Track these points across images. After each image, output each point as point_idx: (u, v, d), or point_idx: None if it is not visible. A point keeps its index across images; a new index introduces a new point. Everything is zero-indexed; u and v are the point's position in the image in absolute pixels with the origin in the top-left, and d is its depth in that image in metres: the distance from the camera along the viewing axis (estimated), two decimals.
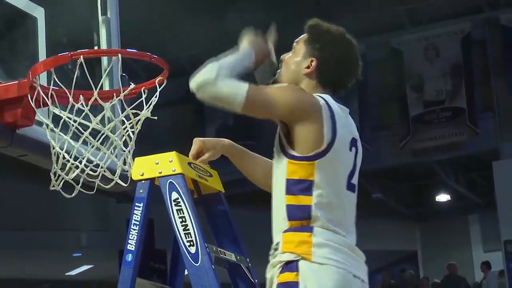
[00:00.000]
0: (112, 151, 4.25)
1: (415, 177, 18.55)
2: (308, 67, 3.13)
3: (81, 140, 4.14)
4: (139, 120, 4.15)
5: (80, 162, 4.19)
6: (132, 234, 3.30)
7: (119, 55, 4.17)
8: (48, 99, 4.11)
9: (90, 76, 4.07)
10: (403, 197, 19.05)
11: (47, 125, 4.20)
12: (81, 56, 4.05)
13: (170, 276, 3.51)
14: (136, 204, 3.33)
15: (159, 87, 4.13)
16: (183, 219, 3.24)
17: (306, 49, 3.15)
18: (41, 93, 4.14)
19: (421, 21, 16.00)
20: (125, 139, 4.21)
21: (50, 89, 4.11)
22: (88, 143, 4.19)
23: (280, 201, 3.02)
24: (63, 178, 4.20)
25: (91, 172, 4.21)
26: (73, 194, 4.26)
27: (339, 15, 12.87)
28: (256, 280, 3.41)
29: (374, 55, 14.85)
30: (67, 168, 4.17)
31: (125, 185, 4.22)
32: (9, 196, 14.32)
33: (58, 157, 4.17)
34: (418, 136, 15.62)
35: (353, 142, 3.11)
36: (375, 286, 17.64)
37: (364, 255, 3.07)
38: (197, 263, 3.19)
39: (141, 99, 4.14)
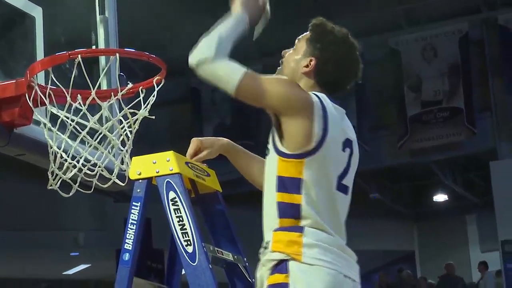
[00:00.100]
0: (110, 151, 4.25)
1: (413, 177, 18.54)
2: (307, 66, 3.11)
3: (78, 140, 4.14)
4: (136, 119, 4.15)
5: (78, 162, 4.19)
6: (130, 234, 3.30)
7: (117, 54, 4.17)
8: (45, 99, 4.11)
9: (88, 76, 4.07)
10: (400, 197, 19.04)
11: (45, 125, 4.19)
12: (79, 56, 4.05)
13: (167, 276, 3.51)
14: (134, 203, 3.33)
15: (157, 87, 4.13)
16: (181, 219, 3.24)
17: (307, 47, 3.13)
18: (39, 92, 4.14)
19: (419, 21, 15.98)
20: (123, 138, 4.21)
21: (48, 88, 4.11)
22: (86, 142, 4.19)
23: (271, 198, 3.00)
24: (60, 178, 4.20)
25: (88, 172, 4.21)
26: (71, 194, 4.27)
27: (338, 15, 12.85)
28: (253, 280, 3.39)
29: (372, 55, 14.83)
30: (64, 167, 4.18)
31: (123, 184, 4.22)
32: (9, 196, 14.31)
33: (55, 157, 4.18)
34: (416, 136, 15.61)
35: (348, 143, 3.08)
36: (373, 286, 17.65)
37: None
38: (194, 263, 3.19)
39: (139, 99, 4.13)
